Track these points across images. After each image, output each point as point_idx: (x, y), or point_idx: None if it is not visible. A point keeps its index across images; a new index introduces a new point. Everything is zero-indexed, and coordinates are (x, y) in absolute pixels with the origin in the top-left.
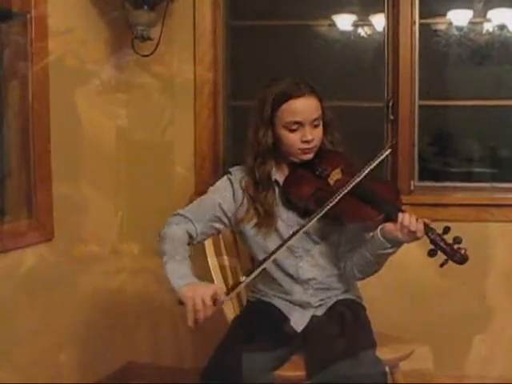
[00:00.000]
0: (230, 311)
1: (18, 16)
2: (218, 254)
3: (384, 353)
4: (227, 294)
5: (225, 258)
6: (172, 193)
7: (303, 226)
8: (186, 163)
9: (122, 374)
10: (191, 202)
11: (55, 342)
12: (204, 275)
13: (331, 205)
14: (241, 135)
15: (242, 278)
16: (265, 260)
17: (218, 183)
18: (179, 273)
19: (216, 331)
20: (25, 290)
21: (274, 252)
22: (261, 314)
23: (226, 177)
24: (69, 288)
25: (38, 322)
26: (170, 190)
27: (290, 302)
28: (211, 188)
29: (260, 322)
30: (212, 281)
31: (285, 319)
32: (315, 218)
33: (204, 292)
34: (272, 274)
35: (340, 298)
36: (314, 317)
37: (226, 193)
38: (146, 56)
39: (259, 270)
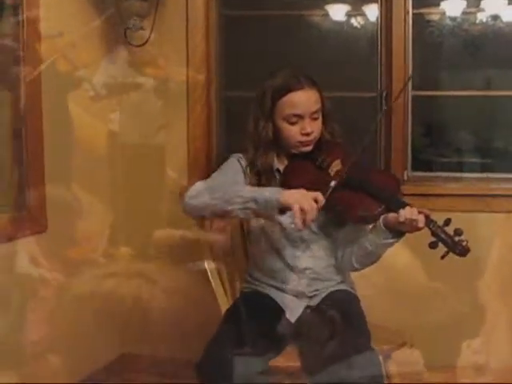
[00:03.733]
0: (224, 301)
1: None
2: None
3: (377, 343)
4: (323, 195)
5: (221, 262)
6: (164, 196)
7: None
8: (179, 166)
9: (116, 365)
10: None
11: (47, 335)
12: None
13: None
14: (235, 126)
15: (332, 183)
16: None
17: (229, 163)
18: (264, 189)
19: (210, 322)
20: (18, 282)
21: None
22: (255, 304)
23: (235, 158)
24: (62, 285)
25: (29, 315)
26: (162, 193)
27: (285, 291)
28: (224, 166)
29: (254, 313)
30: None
31: (279, 310)
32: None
33: (307, 195)
34: (269, 261)
35: (334, 288)
36: (307, 307)
37: (239, 172)
38: (139, 46)
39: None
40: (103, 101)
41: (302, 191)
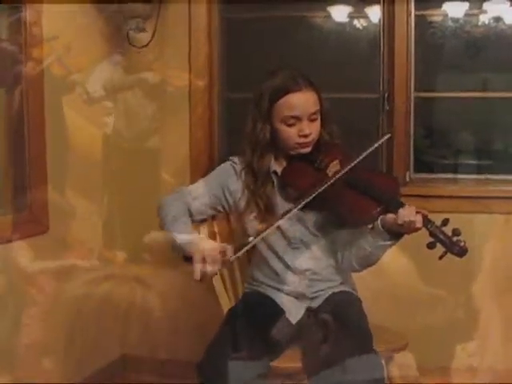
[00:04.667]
0: (226, 302)
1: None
2: None
3: (379, 345)
4: (235, 252)
5: None
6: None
7: (312, 193)
8: (180, 169)
9: (116, 366)
10: None
11: (44, 337)
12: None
13: (328, 184)
14: (237, 128)
15: (250, 239)
16: (266, 229)
17: (222, 168)
18: (185, 231)
19: (211, 323)
20: (16, 284)
21: (284, 214)
22: (256, 305)
23: (229, 163)
24: (58, 287)
25: (26, 317)
26: (158, 197)
27: (286, 293)
28: (214, 171)
29: (255, 314)
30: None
31: (280, 311)
32: (318, 191)
33: (213, 246)
34: (270, 263)
35: (335, 290)
36: (309, 309)
37: (230, 178)
38: (141, 48)
39: (266, 232)
40: (102, 104)
41: (212, 243)
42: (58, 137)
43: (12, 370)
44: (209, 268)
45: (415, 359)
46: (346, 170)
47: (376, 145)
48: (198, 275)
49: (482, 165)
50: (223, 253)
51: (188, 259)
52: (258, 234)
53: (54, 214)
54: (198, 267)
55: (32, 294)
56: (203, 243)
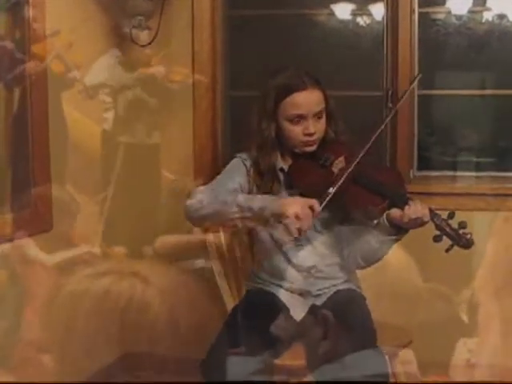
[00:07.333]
0: (230, 300)
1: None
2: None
3: (383, 341)
4: (320, 204)
5: (226, 261)
6: (160, 196)
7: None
8: (183, 165)
9: (119, 364)
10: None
11: (47, 331)
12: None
13: (352, 166)
14: (240, 125)
15: (330, 190)
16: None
17: (233, 165)
18: (260, 198)
19: (215, 320)
20: (19, 281)
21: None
22: (260, 303)
23: (239, 160)
24: (59, 284)
25: (29, 315)
26: (158, 192)
27: (290, 290)
28: (227, 169)
29: (259, 312)
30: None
31: (284, 308)
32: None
33: (302, 202)
34: (274, 260)
35: (340, 287)
36: (313, 306)
37: (242, 174)
38: (144, 46)
39: (343, 178)
40: (103, 100)
41: (298, 199)
42: (59, 133)
43: (10, 366)
44: (304, 224)
45: (416, 355)
46: (361, 155)
47: (382, 126)
48: (296, 232)
49: (485, 162)
50: (311, 207)
51: (279, 219)
52: (334, 184)
53: (57, 210)
54: (294, 226)
55: (34, 289)
56: (292, 201)
